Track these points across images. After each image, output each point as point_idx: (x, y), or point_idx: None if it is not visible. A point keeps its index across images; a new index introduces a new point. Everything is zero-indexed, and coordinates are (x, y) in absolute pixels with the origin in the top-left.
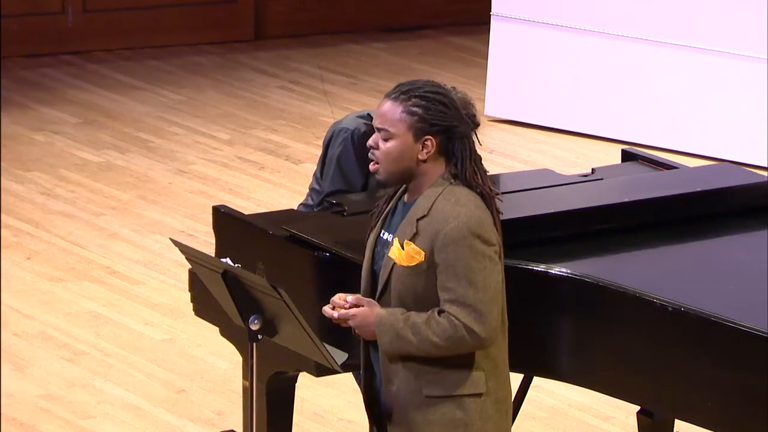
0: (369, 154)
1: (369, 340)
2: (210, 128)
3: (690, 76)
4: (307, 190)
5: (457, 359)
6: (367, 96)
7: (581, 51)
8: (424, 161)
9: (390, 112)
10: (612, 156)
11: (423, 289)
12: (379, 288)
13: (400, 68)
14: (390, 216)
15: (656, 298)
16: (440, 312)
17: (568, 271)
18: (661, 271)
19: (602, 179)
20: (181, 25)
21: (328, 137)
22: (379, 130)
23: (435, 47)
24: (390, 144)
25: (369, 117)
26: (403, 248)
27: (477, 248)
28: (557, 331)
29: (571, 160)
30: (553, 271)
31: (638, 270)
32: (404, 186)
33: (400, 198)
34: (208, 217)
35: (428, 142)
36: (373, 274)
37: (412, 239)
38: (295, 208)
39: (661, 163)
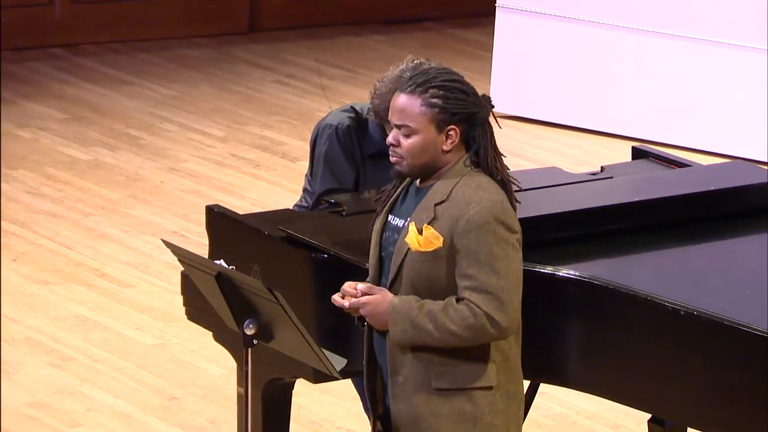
0: (389, 151)
1: (376, 330)
2: (203, 124)
3: (706, 70)
4: (302, 192)
5: (468, 350)
6: (366, 90)
7: (591, 44)
8: (448, 151)
9: (409, 106)
10: (622, 153)
11: (439, 277)
12: (390, 275)
13: (401, 61)
14: (400, 201)
15: (667, 302)
16: (458, 300)
17: (576, 274)
18: (673, 273)
19: (612, 177)
20: (172, 17)
21: (314, 136)
22: (399, 126)
23: (437, 40)
24: (413, 140)
25: (352, 110)
26: (421, 233)
27: (500, 234)
28: (564, 335)
29: (580, 157)
30: (560, 273)
31: (649, 272)
32: None
33: (411, 183)
34: (201, 217)
35: (452, 132)
36: (381, 261)
37: (431, 224)
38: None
39: (673, 160)
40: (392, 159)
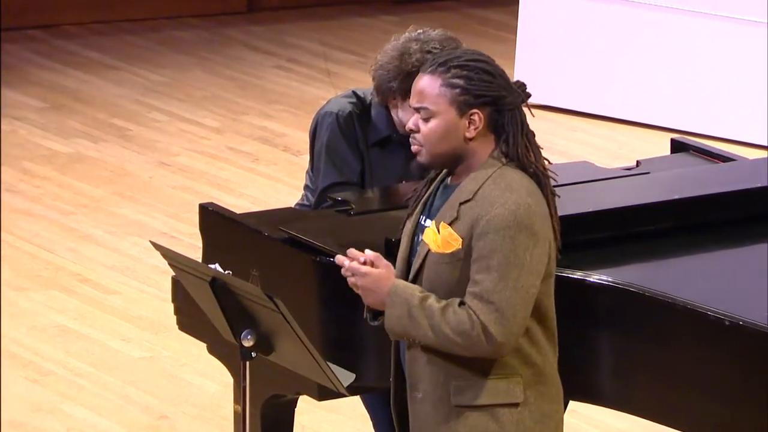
0: (410, 138)
1: (395, 340)
2: (196, 114)
3: (756, 56)
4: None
5: (492, 363)
6: None
7: (627, 25)
8: (472, 139)
9: (428, 87)
10: (660, 146)
11: (457, 281)
12: (410, 276)
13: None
14: (431, 201)
15: (710, 311)
16: (461, 304)
17: (609, 279)
18: (717, 279)
19: (648, 173)
20: None
21: (313, 127)
22: (418, 109)
23: (455, 21)
24: (432, 123)
25: (354, 95)
26: (438, 232)
27: (520, 241)
28: (596, 348)
29: (613, 150)
30: (591, 279)
31: (689, 278)
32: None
33: (442, 180)
34: (194, 217)
35: (475, 117)
36: (410, 265)
37: (452, 224)
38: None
39: (717, 154)
40: (412, 148)
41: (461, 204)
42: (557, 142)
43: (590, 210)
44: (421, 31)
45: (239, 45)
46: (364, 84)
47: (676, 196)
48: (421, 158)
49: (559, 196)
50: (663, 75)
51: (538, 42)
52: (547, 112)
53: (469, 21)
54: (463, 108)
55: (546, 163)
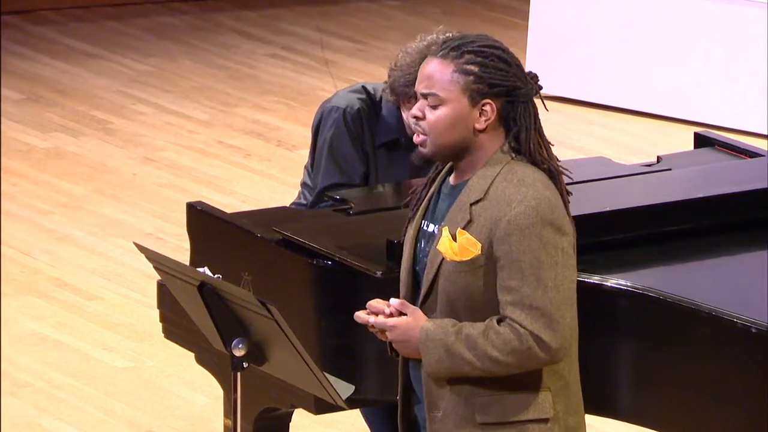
0: (413, 125)
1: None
2: (184, 106)
3: None
4: (300, 187)
5: (517, 377)
6: (377, 66)
7: (647, 10)
8: (482, 131)
9: (439, 72)
10: (682, 140)
11: (479, 291)
12: (423, 290)
13: (419, 31)
14: (433, 203)
15: (737, 317)
16: (500, 321)
17: (628, 284)
18: (743, 283)
19: (670, 170)
20: None
21: (317, 121)
22: (426, 96)
23: (462, 5)
24: (441, 111)
25: (364, 91)
26: (455, 239)
27: (548, 238)
28: (613, 357)
29: (632, 145)
30: (608, 284)
31: (715, 282)
32: (447, 166)
33: (443, 180)
34: (182, 217)
35: (487, 107)
36: (415, 276)
37: (466, 228)
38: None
39: (744, 149)
40: (415, 138)
41: (472, 205)
42: (571, 137)
43: (607, 209)
44: (450, 34)
45: (230, 32)
46: (365, 74)
47: (700, 195)
48: (425, 149)
49: (571, 194)
50: (685, 64)
51: (551, 28)
52: (561, 103)
53: (477, 6)
54: (475, 97)
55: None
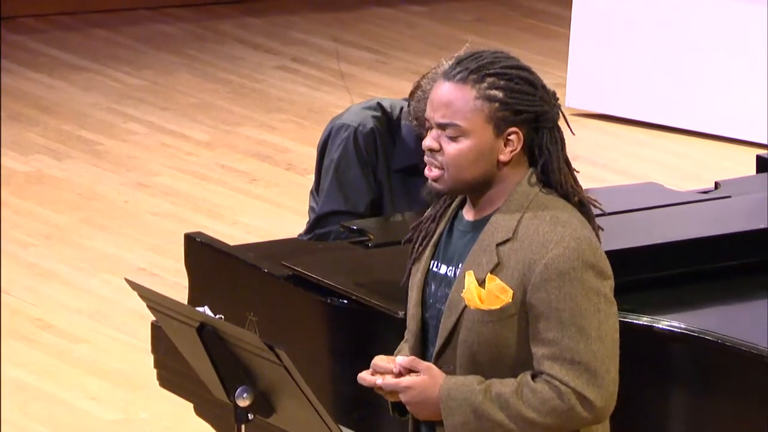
0: (426, 158)
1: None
2: (181, 125)
3: None
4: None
5: None
6: (399, 79)
7: (705, 18)
8: (507, 163)
9: (458, 100)
10: (743, 164)
11: (508, 344)
12: (439, 342)
13: (447, 41)
14: (444, 241)
15: None
16: (534, 377)
17: (681, 326)
18: None
19: (729, 197)
20: None
21: (324, 137)
22: (444, 126)
23: (496, 11)
24: (463, 144)
25: (379, 108)
26: (482, 284)
27: (590, 284)
28: (666, 406)
29: (687, 170)
30: (660, 326)
31: None
32: (457, 198)
33: (455, 214)
34: (179, 249)
35: (513, 137)
36: (424, 325)
37: (494, 272)
38: (298, 237)
39: None
40: (429, 172)
41: (499, 245)
42: (617, 159)
43: (658, 242)
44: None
45: (234, 41)
46: (385, 89)
47: (762, 226)
48: (441, 185)
49: (602, 229)
50: (747, 79)
51: (595, 37)
52: (605, 122)
53: (514, 12)
54: (501, 126)
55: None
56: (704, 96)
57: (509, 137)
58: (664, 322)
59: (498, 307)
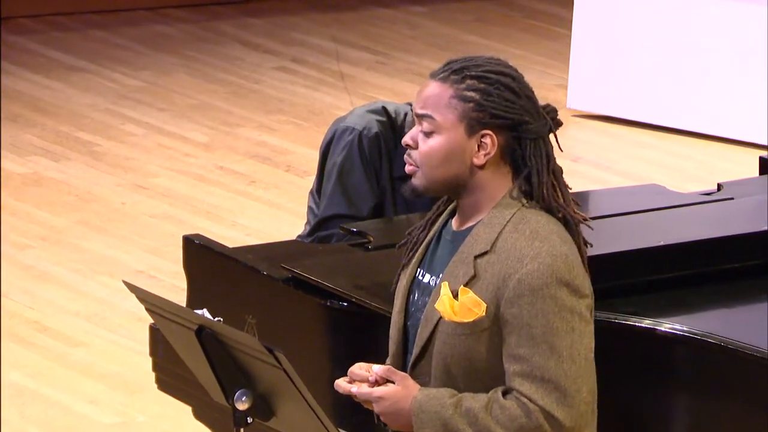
0: (405, 155)
1: None
2: (180, 126)
3: None
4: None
5: None
6: (400, 80)
7: (707, 18)
8: (481, 167)
9: (436, 96)
10: (746, 166)
11: (481, 358)
12: (415, 351)
13: (448, 42)
14: (431, 249)
15: None
16: (505, 393)
17: (684, 328)
18: None
19: (731, 199)
20: None
21: (327, 139)
22: (421, 118)
23: (497, 12)
24: (434, 140)
25: (384, 112)
26: (456, 297)
27: (563, 301)
28: (667, 411)
29: (689, 171)
30: (662, 328)
31: None
32: (449, 206)
33: (444, 224)
34: (178, 252)
35: (486, 139)
36: (406, 333)
37: (469, 284)
38: (297, 238)
39: None
40: (406, 167)
41: (477, 257)
42: (619, 161)
43: (660, 243)
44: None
45: (233, 42)
46: (386, 90)
47: (765, 228)
48: (416, 181)
49: (591, 246)
50: (750, 80)
51: (598, 38)
52: (607, 123)
53: (515, 13)
54: (474, 126)
55: (576, 206)
56: (706, 97)
57: (483, 139)
58: (667, 325)
59: (470, 320)
